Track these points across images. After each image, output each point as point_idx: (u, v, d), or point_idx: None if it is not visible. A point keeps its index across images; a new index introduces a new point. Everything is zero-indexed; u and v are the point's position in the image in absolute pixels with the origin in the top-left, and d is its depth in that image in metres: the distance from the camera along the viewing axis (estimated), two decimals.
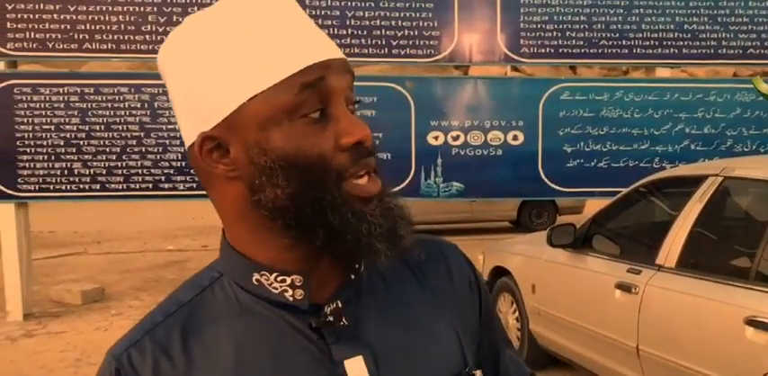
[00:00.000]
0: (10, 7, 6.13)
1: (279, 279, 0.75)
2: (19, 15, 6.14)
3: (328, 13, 6.41)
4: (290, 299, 0.75)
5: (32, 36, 6.18)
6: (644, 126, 6.53)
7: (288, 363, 0.74)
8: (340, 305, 0.76)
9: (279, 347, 0.74)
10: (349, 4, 6.42)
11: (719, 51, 6.63)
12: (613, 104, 6.50)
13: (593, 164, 6.52)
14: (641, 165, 6.45)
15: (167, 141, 6.37)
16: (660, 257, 3.15)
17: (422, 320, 0.81)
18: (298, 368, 0.74)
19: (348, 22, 6.43)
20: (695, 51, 6.61)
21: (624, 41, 6.54)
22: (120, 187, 6.36)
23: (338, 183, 0.71)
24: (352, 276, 0.78)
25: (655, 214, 3.76)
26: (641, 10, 6.55)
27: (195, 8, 6.33)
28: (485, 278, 3.03)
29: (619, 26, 6.54)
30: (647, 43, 6.57)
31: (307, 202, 0.71)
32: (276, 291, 0.75)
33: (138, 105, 6.35)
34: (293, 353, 0.74)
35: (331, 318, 0.75)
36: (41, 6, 6.18)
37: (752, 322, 2.52)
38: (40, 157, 6.24)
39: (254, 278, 0.75)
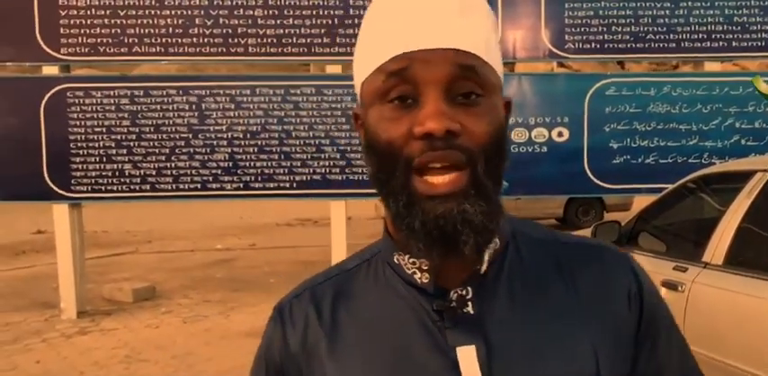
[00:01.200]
0: (63, 13, 6.31)
1: (410, 261, 0.81)
2: (71, 21, 6.33)
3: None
4: (419, 281, 0.80)
5: (84, 41, 6.36)
6: (692, 121, 6.40)
7: (409, 339, 0.79)
8: (467, 293, 0.79)
9: (405, 323, 0.80)
10: None
11: None
12: (661, 99, 6.39)
13: (640, 160, 6.42)
14: (690, 161, 6.32)
15: (215, 142, 6.49)
16: (707, 254, 3.10)
17: (556, 325, 0.80)
18: (416, 345, 0.79)
19: None
20: (746, 44, 6.45)
21: (672, 35, 6.42)
22: (170, 187, 6.49)
23: (407, 170, 0.73)
24: (479, 267, 0.79)
25: (702, 211, 3.69)
26: (689, 3, 6.42)
27: (242, 11, 6.44)
28: None
29: (666, 20, 6.43)
30: (696, 36, 6.44)
31: (380, 184, 0.77)
32: (409, 272, 0.81)
33: (186, 107, 6.48)
34: (415, 331, 0.79)
35: (454, 304, 0.78)
36: (93, 12, 6.35)
37: None
38: (93, 159, 6.42)
39: (395, 257, 0.83)
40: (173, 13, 6.42)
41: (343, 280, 0.86)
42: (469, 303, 0.79)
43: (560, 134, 6.44)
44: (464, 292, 0.79)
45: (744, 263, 2.97)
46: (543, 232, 0.88)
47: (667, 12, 6.43)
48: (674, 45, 6.43)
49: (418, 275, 0.80)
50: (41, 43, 6.28)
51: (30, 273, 8.89)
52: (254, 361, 0.92)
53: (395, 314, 0.81)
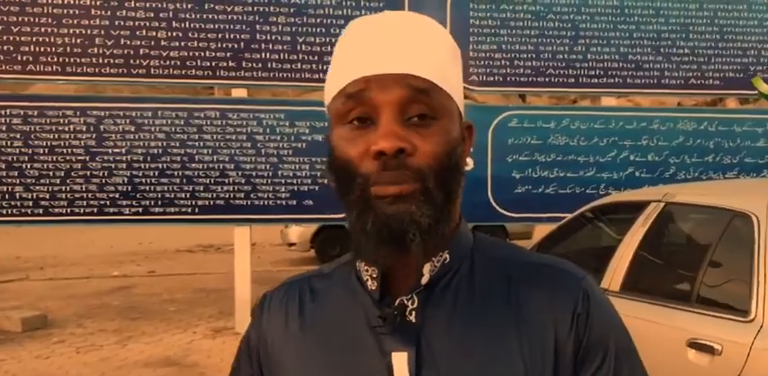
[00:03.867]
0: None
1: (365, 268, 0.87)
2: None
3: (279, 37, 6.42)
4: (370, 288, 0.87)
5: None
6: (590, 153, 6.67)
7: (354, 340, 0.86)
8: (412, 303, 0.84)
9: (355, 325, 0.87)
10: (300, 29, 6.44)
11: (663, 81, 6.83)
12: (560, 132, 6.63)
13: (540, 190, 6.61)
14: (587, 191, 6.56)
15: (113, 165, 6.25)
16: (605, 281, 3.19)
17: (490, 337, 0.83)
18: (359, 346, 0.85)
19: (299, 47, 6.45)
20: (639, 81, 6.80)
21: (571, 70, 6.70)
22: (64, 211, 6.20)
23: (366, 187, 0.79)
24: (422, 278, 0.84)
25: (599, 239, 3.82)
26: (587, 40, 6.73)
27: (144, 31, 6.28)
28: None
29: (565, 56, 6.70)
30: (593, 72, 6.74)
31: (340, 197, 0.82)
32: (364, 279, 0.88)
33: (84, 128, 6.23)
34: (361, 334, 0.86)
35: (395, 312, 0.83)
36: None
37: (694, 344, 2.56)
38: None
39: (357, 264, 0.89)
40: (71, 31, 6.20)
41: (319, 280, 0.95)
42: (413, 312, 0.84)
43: (465, 163, 6.57)
44: (409, 302, 0.84)
45: (639, 289, 3.07)
46: (506, 251, 0.91)
47: (567, 47, 6.72)
48: (572, 80, 6.71)
49: (370, 282, 0.86)
50: None
51: None
52: (239, 343, 1.01)
53: (349, 316, 0.88)
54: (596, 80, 6.74)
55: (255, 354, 0.95)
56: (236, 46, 6.39)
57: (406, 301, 0.84)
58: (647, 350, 2.85)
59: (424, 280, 0.84)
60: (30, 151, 6.14)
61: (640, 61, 6.78)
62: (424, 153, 0.79)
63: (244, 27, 6.40)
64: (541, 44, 6.66)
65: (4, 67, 6.12)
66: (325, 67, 6.49)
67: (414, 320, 0.83)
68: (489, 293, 0.85)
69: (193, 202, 6.31)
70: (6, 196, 6.10)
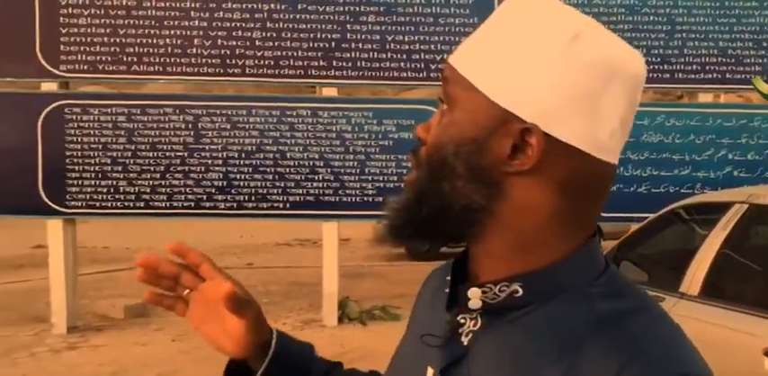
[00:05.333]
0: (64, 31, 6.40)
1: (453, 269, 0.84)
2: (72, 38, 6.41)
3: (368, 36, 6.51)
4: (445, 290, 0.82)
5: (84, 58, 6.44)
6: (685, 151, 6.41)
7: (418, 341, 0.81)
8: (474, 325, 0.76)
9: (427, 323, 0.84)
10: (389, 28, 6.51)
11: (765, 77, 6.49)
12: (654, 129, 6.41)
13: (632, 188, 6.42)
14: (682, 190, 6.31)
15: (210, 161, 6.53)
16: (684, 285, 3.09)
17: None
18: (418, 350, 0.81)
19: (388, 46, 6.52)
20: (739, 76, 6.48)
21: (666, 66, 6.46)
22: (163, 205, 6.52)
23: None
24: (470, 301, 0.76)
25: (681, 241, 3.69)
26: (684, 34, 6.48)
27: (240, 32, 6.51)
28: None
29: (661, 51, 6.47)
30: (690, 68, 6.48)
31: None
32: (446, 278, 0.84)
33: (183, 126, 6.53)
34: (435, 329, 0.80)
35: (447, 328, 0.78)
36: (93, 30, 6.44)
37: None
38: (88, 175, 6.46)
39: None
40: (172, 32, 6.50)
41: (445, 269, 0.89)
42: (470, 334, 0.76)
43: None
44: (471, 322, 0.76)
45: (718, 294, 2.96)
46: (619, 305, 0.72)
47: (662, 42, 6.48)
48: (667, 75, 6.47)
49: (446, 286, 0.83)
50: (41, 60, 6.36)
51: (25, 287, 8.89)
52: None
53: (428, 312, 0.86)
54: (693, 76, 6.48)
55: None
56: (327, 45, 6.53)
57: (468, 319, 0.77)
58: (721, 357, 2.76)
59: (473, 304, 0.75)
60: (133, 148, 6.50)
61: (741, 56, 6.47)
62: (427, 142, 0.77)
63: (335, 26, 6.53)
64: (635, 39, 6.45)
65: (111, 68, 6.50)
66: (413, 66, 6.54)
67: (465, 343, 0.76)
68: (545, 356, 0.70)
69: (285, 198, 6.50)
70: (111, 190, 6.48)
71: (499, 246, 0.75)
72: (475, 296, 0.75)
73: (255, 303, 0.91)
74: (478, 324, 0.76)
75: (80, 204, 6.45)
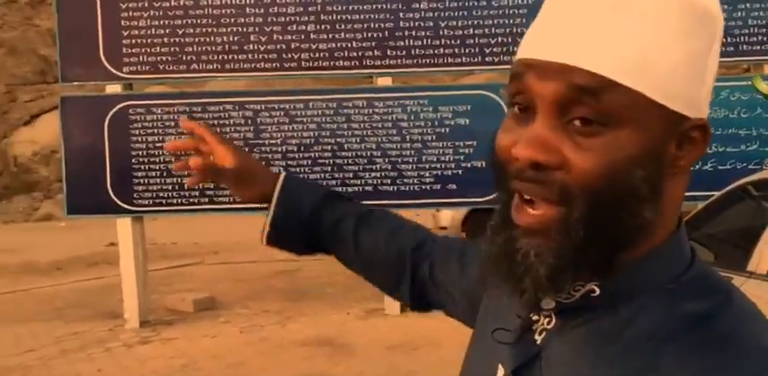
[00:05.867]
0: (125, 34, 6.58)
1: None
2: (133, 41, 6.59)
3: (422, 24, 6.49)
4: None
5: (145, 60, 6.61)
6: (752, 126, 6.19)
7: (499, 332, 0.76)
8: (545, 321, 0.72)
9: (505, 312, 0.78)
10: (442, 14, 6.48)
11: None
12: (719, 104, 6.21)
13: (698, 166, 6.24)
14: (750, 166, 6.10)
15: (270, 156, 6.63)
16: (752, 263, 3.00)
17: None
18: (488, 343, 0.78)
19: (441, 32, 6.49)
20: None
21: (729, 38, 6.24)
22: (227, 200, 6.66)
23: (507, 192, 0.68)
24: (543, 302, 0.70)
25: (748, 218, 3.57)
26: (748, 5, 6.24)
27: (295, 26, 6.58)
28: None
29: (724, 23, 6.24)
30: (754, 39, 6.24)
31: (495, 188, 0.71)
32: None
33: (242, 122, 6.65)
34: (508, 326, 0.76)
35: (519, 326, 0.73)
36: (153, 31, 6.60)
37: None
38: (154, 174, 6.64)
39: None
40: (229, 30, 6.61)
41: None
42: (543, 333, 0.72)
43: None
44: (546, 320, 0.72)
45: None
46: (703, 303, 0.66)
47: (725, 14, 6.25)
48: (731, 48, 6.25)
49: None
50: (105, 63, 6.56)
51: (99, 284, 9.21)
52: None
53: (510, 301, 0.77)
54: (759, 47, 6.24)
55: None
56: (380, 35, 6.54)
57: (542, 317, 0.72)
58: None
59: (545, 304, 0.70)
60: None
61: None
62: (578, 169, 0.62)
63: (388, 16, 6.53)
64: None
65: (172, 68, 6.65)
66: (468, 51, 6.49)
67: (538, 342, 0.72)
68: (635, 359, 0.65)
69: (343, 189, 6.55)
70: (176, 187, 6.65)
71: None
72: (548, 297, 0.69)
73: (244, 153, 1.17)
74: (552, 322, 0.71)
75: (147, 202, 6.64)
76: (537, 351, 0.71)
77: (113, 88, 6.66)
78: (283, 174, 1.18)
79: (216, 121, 6.64)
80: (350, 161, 6.55)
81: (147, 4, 6.54)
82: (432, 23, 6.49)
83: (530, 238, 0.65)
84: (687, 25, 0.64)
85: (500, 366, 0.74)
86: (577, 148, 0.62)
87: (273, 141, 6.65)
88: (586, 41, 0.62)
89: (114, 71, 6.57)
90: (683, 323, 0.65)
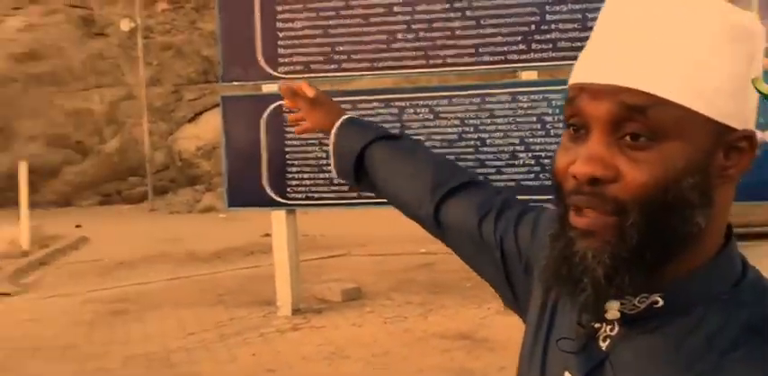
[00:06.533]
0: (281, 35, 6.94)
1: None
2: (288, 42, 6.93)
3: (569, 16, 6.38)
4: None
5: (299, 59, 6.93)
6: None
7: (563, 341, 0.81)
8: (607, 328, 0.76)
9: (562, 320, 0.83)
10: (589, 6, 6.33)
11: None
12: None
13: None
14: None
15: None
16: None
17: None
18: (560, 350, 0.81)
19: (588, 25, 6.34)
20: None
21: None
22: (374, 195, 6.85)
23: (566, 205, 0.73)
24: (608, 313, 0.74)
25: None
26: None
27: (440, 23, 6.66)
28: None
29: None
30: None
31: (554, 205, 0.78)
32: None
33: (390, 118, 6.82)
34: (566, 333, 0.81)
35: (582, 334, 0.77)
36: (306, 31, 6.91)
37: None
38: (307, 169, 6.96)
39: None
40: (377, 29, 6.80)
41: None
42: (607, 339, 0.75)
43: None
44: (608, 328, 0.76)
45: None
46: (764, 310, 0.71)
47: None
48: None
49: None
50: (262, 63, 6.94)
51: (255, 273, 9.76)
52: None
53: (565, 309, 0.83)
54: None
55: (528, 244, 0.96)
56: (526, 29, 6.48)
57: (604, 325, 0.76)
58: None
59: (611, 316, 0.74)
60: None
61: None
62: (629, 182, 0.68)
63: (534, 9, 6.47)
64: None
65: (324, 67, 6.94)
66: None
67: (603, 349, 0.75)
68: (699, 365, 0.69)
69: None
70: (327, 182, 6.93)
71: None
72: (613, 308, 0.73)
73: (327, 100, 1.37)
74: (616, 329, 0.75)
75: (300, 196, 6.96)
76: (604, 357, 0.75)
77: (270, 87, 7.04)
78: (347, 115, 1.36)
79: (365, 118, 6.84)
80: (493, 156, 6.56)
81: (301, 7, 6.85)
82: (579, 16, 6.36)
83: (586, 241, 0.70)
84: (729, 43, 0.69)
85: (567, 373, 0.78)
86: (630, 162, 0.68)
87: (418, 137, 6.75)
88: (633, 63, 0.68)
89: (271, 71, 6.94)
90: (745, 330, 0.69)
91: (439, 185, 1.14)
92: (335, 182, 6.90)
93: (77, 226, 15.89)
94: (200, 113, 25.59)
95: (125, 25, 24.38)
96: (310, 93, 1.35)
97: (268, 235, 14.49)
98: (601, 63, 0.70)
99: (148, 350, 5.95)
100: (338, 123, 1.31)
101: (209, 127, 24.47)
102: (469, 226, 1.06)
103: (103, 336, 6.43)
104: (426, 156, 1.24)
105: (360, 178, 1.29)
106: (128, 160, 23.77)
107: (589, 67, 0.72)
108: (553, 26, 6.42)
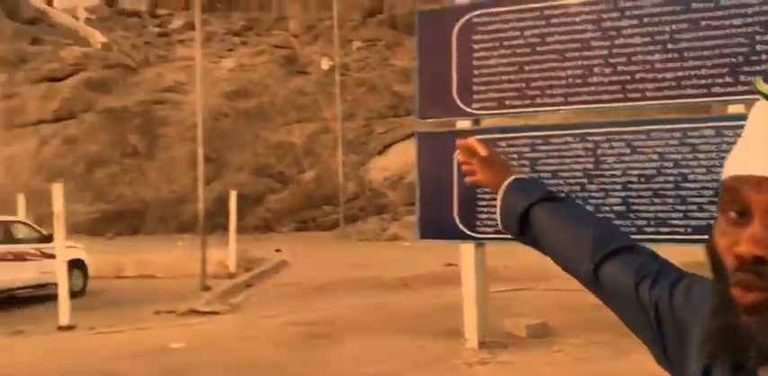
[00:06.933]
0: (476, 73, 7.12)
1: None
2: (483, 79, 7.09)
3: None
4: None
5: (492, 96, 7.07)
6: None
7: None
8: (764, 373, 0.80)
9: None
10: None
11: None
12: None
13: None
14: None
15: (609, 187, 6.61)
16: None
17: None
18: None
19: None
20: None
21: None
22: None
23: (726, 284, 0.81)
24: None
25: None
26: None
27: (640, 56, 6.52)
28: None
29: None
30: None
31: (712, 282, 0.87)
32: None
33: (583, 153, 6.74)
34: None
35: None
36: (501, 69, 7.04)
37: None
38: (496, 203, 7.01)
39: None
40: (572, 64, 6.78)
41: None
42: None
43: None
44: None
45: None
46: None
47: None
48: None
49: None
50: (457, 100, 7.15)
51: (440, 302, 9.91)
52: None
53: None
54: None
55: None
56: (733, 60, 6.18)
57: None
58: None
59: (763, 371, 0.79)
60: (536, 176, 6.88)
61: None
62: (749, 255, 0.77)
63: (742, 40, 6.16)
64: None
65: (517, 103, 7.02)
66: None
67: None
68: None
69: (687, 222, 6.27)
70: None
71: None
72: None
73: (499, 160, 1.49)
74: None
75: (490, 230, 7.02)
76: None
77: (462, 123, 7.22)
78: (515, 175, 1.46)
79: (557, 153, 6.82)
80: (694, 193, 6.26)
81: (497, 44, 7.01)
82: None
83: (751, 316, 0.77)
84: None
85: None
86: None
87: (614, 172, 6.62)
88: None
89: (464, 107, 7.13)
90: None
91: (600, 247, 1.22)
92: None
93: (277, 250, 17.00)
94: (389, 146, 26.57)
95: (324, 64, 25.98)
96: (483, 152, 1.48)
97: (451, 264, 14.68)
98: (760, 156, 0.80)
99: (344, 374, 6.23)
100: (506, 183, 1.45)
101: (397, 158, 25.32)
102: (627, 287, 1.13)
103: (303, 358, 6.83)
104: (588, 219, 1.34)
105: (523, 232, 1.41)
106: (322, 189, 25.15)
107: (748, 160, 0.81)
108: (764, 57, 6.06)
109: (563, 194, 1.47)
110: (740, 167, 0.82)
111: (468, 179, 1.54)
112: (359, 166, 26.12)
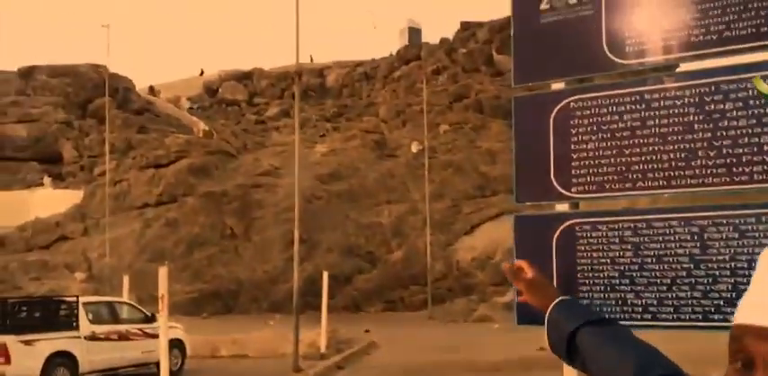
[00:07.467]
0: (575, 156, 7.13)
1: None
2: (581, 162, 7.09)
3: None
4: None
5: (592, 179, 7.03)
6: None
7: None
8: None
9: None
10: None
11: None
12: None
13: None
14: None
15: (717, 272, 6.37)
16: None
17: None
18: None
19: None
20: None
21: None
22: (670, 317, 6.51)
23: None
24: None
25: None
26: None
27: (746, 139, 6.40)
28: None
29: None
30: None
31: None
32: None
33: (688, 237, 6.55)
34: None
35: None
36: (601, 153, 7.02)
37: None
38: (597, 289, 6.82)
39: None
40: (675, 147, 6.71)
41: None
42: None
43: None
44: None
45: None
46: None
47: None
48: None
49: None
50: (555, 184, 7.15)
51: None
52: None
53: None
54: None
55: None
56: None
57: None
58: None
59: None
60: (639, 261, 6.71)
61: None
62: None
63: None
64: None
65: (616, 187, 6.94)
66: None
67: None
68: None
69: None
70: (619, 302, 6.73)
71: None
72: None
73: (544, 283, 1.50)
74: None
75: None
76: None
77: (561, 207, 7.18)
78: (561, 297, 1.50)
79: (660, 237, 6.66)
80: None
81: (595, 128, 7.03)
82: None
83: None
84: None
85: None
86: None
87: (721, 257, 6.35)
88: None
89: (563, 191, 7.10)
90: None
91: (643, 372, 1.25)
92: (628, 302, 6.69)
93: (366, 331, 16.90)
94: (477, 225, 26.49)
95: (414, 147, 26.54)
96: (530, 273, 1.58)
97: (543, 349, 14.20)
98: (762, 305, 0.80)
99: None
100: (552, 306, 1.51)
101: (485, 238, 25.17)
102: None
103: None
104: (631, 342, 1.39)
105: (572, 357, 1.45)
106: (410, 269, 25.13)
107: (751, 310, 0.82)
108: None
109: (608, 316, 1.51)
110: (744, 315, 0.83)
111: (519, 298, 1.69)
112: (446, 246, 26.04)
